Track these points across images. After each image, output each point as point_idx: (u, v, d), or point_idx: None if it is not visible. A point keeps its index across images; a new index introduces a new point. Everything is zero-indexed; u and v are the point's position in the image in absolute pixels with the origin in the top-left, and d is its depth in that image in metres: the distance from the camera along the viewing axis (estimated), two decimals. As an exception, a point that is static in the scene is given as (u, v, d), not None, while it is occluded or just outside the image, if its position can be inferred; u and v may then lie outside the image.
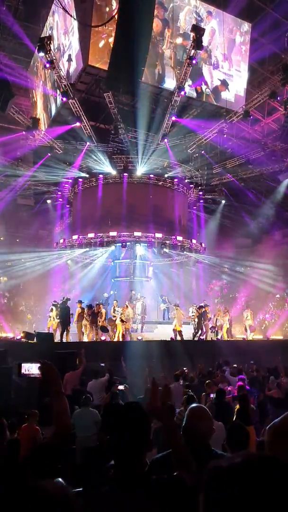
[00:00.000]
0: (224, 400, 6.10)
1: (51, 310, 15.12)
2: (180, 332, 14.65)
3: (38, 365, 2.03)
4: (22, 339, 12.99)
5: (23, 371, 3.60)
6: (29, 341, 12.47)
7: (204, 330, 15.78)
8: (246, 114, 17.12)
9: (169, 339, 14.24)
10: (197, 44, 14.51)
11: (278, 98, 16.89)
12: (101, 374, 7.85)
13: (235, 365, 10.55)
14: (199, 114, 19.26)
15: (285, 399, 7.26)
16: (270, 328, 19.19)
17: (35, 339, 12.43)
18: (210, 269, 23.01)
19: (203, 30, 14.68)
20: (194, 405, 2.51)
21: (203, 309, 15.84)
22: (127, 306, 15.47)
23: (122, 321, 14.44)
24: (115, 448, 1.65)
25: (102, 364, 8.74)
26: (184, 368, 9.68)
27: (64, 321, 13.84)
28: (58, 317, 14.31)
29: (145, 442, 1.66)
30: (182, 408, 5.03)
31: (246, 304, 19.41)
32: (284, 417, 1.51)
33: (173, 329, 14.82)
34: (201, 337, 15.54)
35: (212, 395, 6.54)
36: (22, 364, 3.60)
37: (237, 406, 5.53)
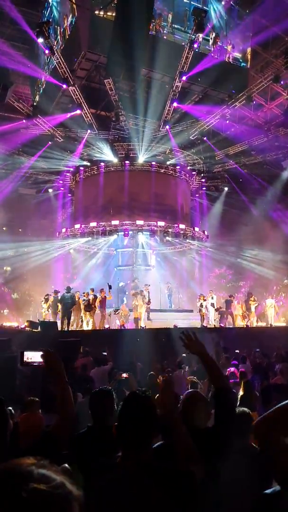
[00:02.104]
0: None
1: (42, 301, 15.69)
2: (136, 319, 14.86)
3: (41, 353, 2.05)
4: (26, 328, 13.09)
5: (25, 359, 3.57)
6: (33, 330, 12.56)
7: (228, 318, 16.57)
8: (249, 99, 16.85)
9: (172, 327, 14.26)
10: (199, 27, 14.21)
11: (282, 82, 16.61)
12: (103, 362, 7.90)
13: (237, 351, 10.57)
14: (201, 99, 18.98)
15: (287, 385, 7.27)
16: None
17: (39, 328, 12.51)
18: (213, 257, 22.94)
19: (205, 12, 14.34)
20: (189, 390, 2.51)
21: (230, 298, 16.89)
22: (137, 294, 15.60)
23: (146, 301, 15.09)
24: (122, 435, 1.65)
25: (105, 353, 8.77)
26: (183, 354, 9.71)
27: (66, 310, 13.99)
28: (61, 306, 14.53)
29: (152, 429, 1.66)
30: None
31: (266, 293, 19.53)
32: (274, 410, 1.50)
33: (134, 318, 14.93)
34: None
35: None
36: (25, 353, 3.58)
37: (240, 392, 5.55)
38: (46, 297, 15.59)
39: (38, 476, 0.68)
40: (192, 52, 15.13)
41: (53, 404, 1.96)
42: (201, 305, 16.39)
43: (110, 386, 5.73)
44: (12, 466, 0.71)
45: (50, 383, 2.09)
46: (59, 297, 14.76)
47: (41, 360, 2.06)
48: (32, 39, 17.22)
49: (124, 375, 6.22)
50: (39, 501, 0.65)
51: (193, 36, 14.71)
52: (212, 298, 17.08)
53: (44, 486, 0.67)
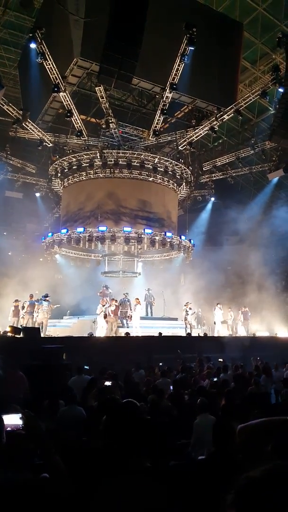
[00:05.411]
0: (204, 397, 6.10)
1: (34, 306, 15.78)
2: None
3: (19, 415, 1.74)
4: (9, 334, 12.89)
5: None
6: (16, 336, 12.38)
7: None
8: (237, 113, 17.16)
9: (158, 334, 14.25)
10: (189, 40, 14.45)
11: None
12: (85, 371, 7.73)
13: (220, 360, 10.63)
14: (190, 111, 19.27)
15: (262, 396, 7.37)
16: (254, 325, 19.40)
17: (21, 334, 12.35)
18: (199, 265, 23.06)
19: (195, 26, 14.58)
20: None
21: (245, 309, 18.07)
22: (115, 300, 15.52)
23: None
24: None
25: (87, 367, 8.53)
26: (160, 363, 9.78)
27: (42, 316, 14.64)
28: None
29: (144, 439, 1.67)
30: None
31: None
32: (258, 422, 1.55)
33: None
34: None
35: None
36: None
37: (223, 402, 5.60)
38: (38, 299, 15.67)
39: None
40: (183, 65, 15.36)
41: (37, 410, 1.93)
42: (187, 313, 16.44)
43: (92, 395, 5.70)
44: None
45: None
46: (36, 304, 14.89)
47: (17, 423, 1.69)
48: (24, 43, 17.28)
49: (107, 383, 6.20)
50: None
51: (184, 50, 14.91)
52: (200, 311, 17.29)
53: None
